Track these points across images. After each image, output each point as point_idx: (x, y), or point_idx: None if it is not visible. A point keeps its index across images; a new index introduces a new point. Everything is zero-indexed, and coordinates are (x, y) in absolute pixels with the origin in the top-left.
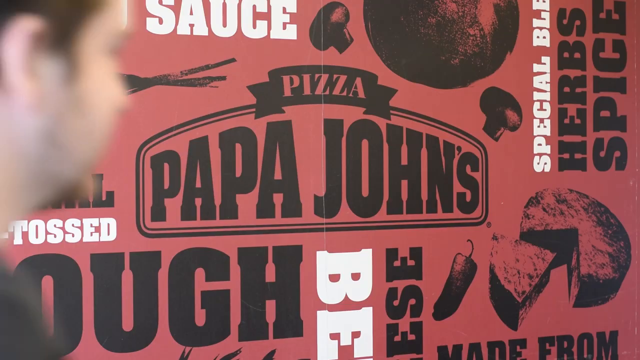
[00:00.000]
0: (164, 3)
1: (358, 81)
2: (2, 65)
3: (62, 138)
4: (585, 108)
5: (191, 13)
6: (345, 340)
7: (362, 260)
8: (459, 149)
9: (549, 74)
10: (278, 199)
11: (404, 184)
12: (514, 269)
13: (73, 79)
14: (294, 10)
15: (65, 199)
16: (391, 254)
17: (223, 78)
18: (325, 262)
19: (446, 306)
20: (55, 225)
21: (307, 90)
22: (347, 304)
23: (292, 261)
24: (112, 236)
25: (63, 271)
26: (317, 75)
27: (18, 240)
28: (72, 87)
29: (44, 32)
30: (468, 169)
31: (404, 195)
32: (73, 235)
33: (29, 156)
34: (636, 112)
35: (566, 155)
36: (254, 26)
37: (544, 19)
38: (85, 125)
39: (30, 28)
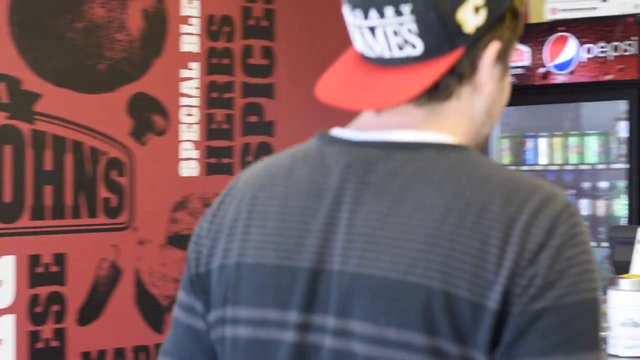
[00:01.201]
0: None
1: (2, 86)
2: (478, 70)
3: (493, 110)
4: (234, 113)
5: None
6: None
7: (4, 267)
8: (105, 154)
9: (197, 80)
10: None
11: (48, 189)
12: (160, 273)
13: (504, 76)
14: None
15: None
16: (34, 260)
17: None
18: None
19: (91, 312)
20: None
21: None
22: None
23: None
24: None
25: None
26: None
27: None
28: (502, 81)
29: (500, 50)
30: (114, 174)
31: (48, 201)
32: None
33: (477, 123)
34: (284, 117)
35: (213, 160)
36: None
37: (193, 24)
38: (502, 102)
39: (497, 49)
